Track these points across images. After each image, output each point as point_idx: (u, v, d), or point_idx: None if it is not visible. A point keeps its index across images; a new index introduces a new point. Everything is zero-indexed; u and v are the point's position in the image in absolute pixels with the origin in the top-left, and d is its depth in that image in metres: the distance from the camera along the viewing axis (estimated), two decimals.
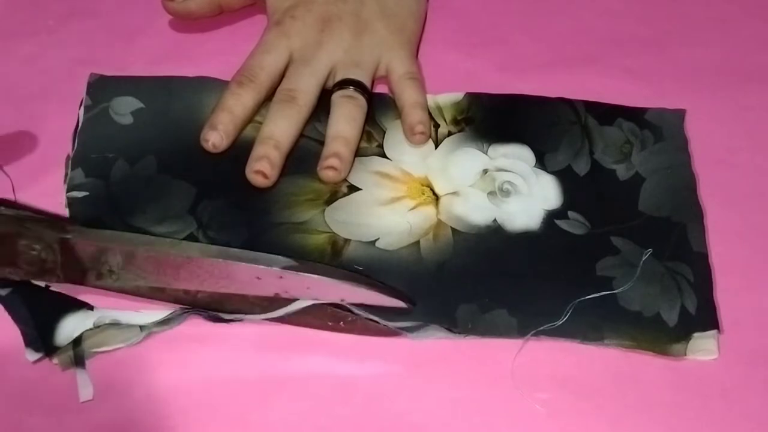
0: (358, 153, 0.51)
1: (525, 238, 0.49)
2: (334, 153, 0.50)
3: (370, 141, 0.52)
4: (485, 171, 0.51)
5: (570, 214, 0.50)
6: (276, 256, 0.44)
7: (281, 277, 0.43)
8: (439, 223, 0.49)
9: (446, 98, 0.54)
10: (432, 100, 0.54)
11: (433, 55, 0.57)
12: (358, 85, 0.52)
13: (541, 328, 0.45)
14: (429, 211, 0.50)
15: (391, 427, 0.43)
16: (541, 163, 0.52)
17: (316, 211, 0.49)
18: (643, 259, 0.48)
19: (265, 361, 0.45)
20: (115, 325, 0.44)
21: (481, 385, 0.44)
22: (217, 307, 0.45)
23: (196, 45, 0.57)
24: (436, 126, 0.53)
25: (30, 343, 0.44)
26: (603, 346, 0.45)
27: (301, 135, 0.52)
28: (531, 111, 0.54)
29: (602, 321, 0.46)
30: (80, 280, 0.44)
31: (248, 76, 0.51)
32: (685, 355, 0.45)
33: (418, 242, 0.49)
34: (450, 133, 0.53)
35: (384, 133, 0.53)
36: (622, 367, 0.45)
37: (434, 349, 0.45)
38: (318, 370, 0.45)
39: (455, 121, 0.53)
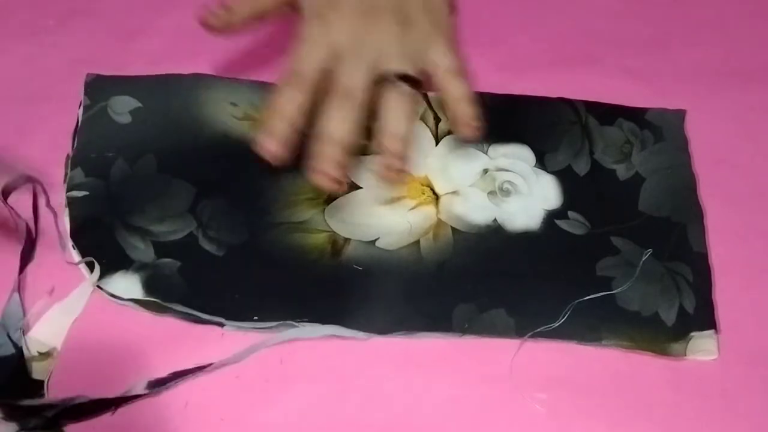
0: (359, 152, 0.51)
1: (525, 238, 0.49)
2: (394, 154, 0.47)
3: (371, 140, 0.52)
4: (485, 171, 0.51)
5: (570, 214, 0.50)
6: None
7: None
8: (439, 223, 0.49)
9: None
10: (433, 99, 0.54)
11: None
12: (407, 79, 0.49)
13: (538, 330, 0.45)
14: (429, 210, 0.50)
15: (391, 427, 0.43)
16: (541, 163, 0.52)
17: (316, 210, 0.49)
18: (643, 259, 0.48)
19: (265, 361, 0.45)
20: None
21: (480, 385, 0.44)
22: None
23: (196, 45, 0.57)
24: (437, 120, 0.53)
25: None
26: (602, 347, 0.45)
27: (304, 133, 0.51)
28: (531, 111, 0.54)
29: (600, 322, 0.46)
30: None
31: (296, 75, 0.48)
32: (685, 355, 0.45)
33: (418, 242, 0.49)
34: (450, 132, 0.53)
35: None
36: (621, 367, 0.45)
37: (434, 348, 0.45)
38: (317, 370, 0.45)
39: None
